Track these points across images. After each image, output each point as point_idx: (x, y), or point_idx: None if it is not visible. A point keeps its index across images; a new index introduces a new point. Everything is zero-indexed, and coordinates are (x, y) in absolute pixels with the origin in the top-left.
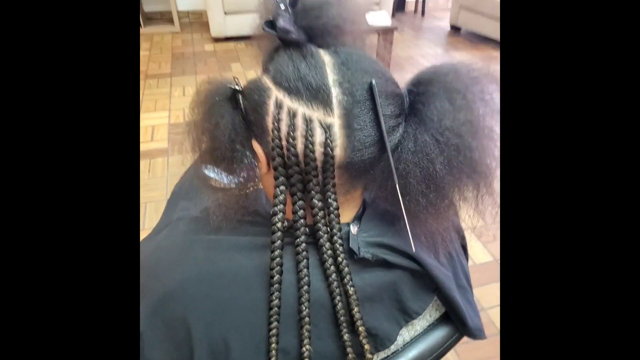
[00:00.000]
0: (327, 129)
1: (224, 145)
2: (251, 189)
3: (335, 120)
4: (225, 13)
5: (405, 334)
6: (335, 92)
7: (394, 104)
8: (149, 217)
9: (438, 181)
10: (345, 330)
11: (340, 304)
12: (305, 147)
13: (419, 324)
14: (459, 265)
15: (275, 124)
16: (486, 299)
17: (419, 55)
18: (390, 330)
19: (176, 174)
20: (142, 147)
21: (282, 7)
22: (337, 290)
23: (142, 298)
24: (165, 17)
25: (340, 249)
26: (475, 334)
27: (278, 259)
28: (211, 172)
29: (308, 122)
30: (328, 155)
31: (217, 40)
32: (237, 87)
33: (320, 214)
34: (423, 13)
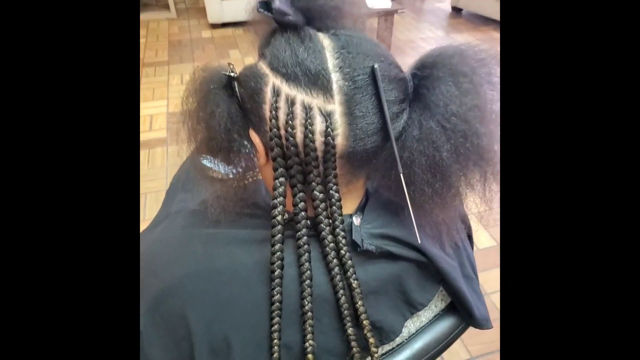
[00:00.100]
0: (327, 116)
1: (220, 136)
2: (250, 179)
3: (336, 108)
4: None
5: (410, 326)
6: (335, 78)
7: (397, 88)
8: (149, 208)
9: (444, 170)
10: (349, 324)
11: (343, 297)
12: (305, 136)
13: (425, 315)
14: (464, 254)
15: (273, 112)
16: (489, 284)
17: (419, 38)
18: (395, 322)
19: (175, 164)
20: (141, 137)
21: None
22: (340, 284)
23: (140, 294)
24: (160, 3)
25: (343, 241)
26: (482, 324)
27: (279, 254)
28: (209, 162)
29: (307, 109)
30: (329, 145)
31: (214, 26)
32: (232, 74)
33: (322, 205)
34: None
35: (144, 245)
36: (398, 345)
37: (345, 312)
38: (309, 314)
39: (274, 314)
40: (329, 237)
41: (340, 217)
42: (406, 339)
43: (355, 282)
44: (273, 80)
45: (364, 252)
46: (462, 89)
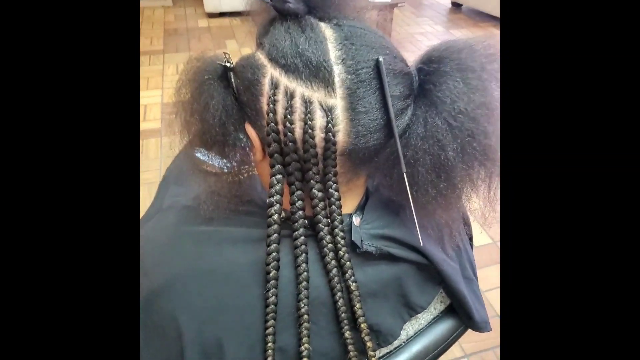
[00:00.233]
0: (328, 111)
1: (214, 129)
2: (246, 174)
3: (338, 102)
4: None
5: (409, 328)
6: (337, 71)
7: (402, 83)
8: (142, 200)
9: (449, 169)
10: (346, 327)
11: (341, 300)
12: (304, 132)
13: (424, 317)
14: (465, 256)
15: (271, 105)
16: (484, 282)
17: (418, 32)
18: (393, 325)
19: (170, 156)
20: None
21: None
22: (338, 287)
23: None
24: None
25: (342, 242)
26: (481, 326)
27: (274, 254)
28: (203, 156)
29: (307, 103)
30: (329, 141)
31: (211, 15)
32: (228, 64)
33: (321, 204)
34: None
35: None
36: (396, 348)
37: (343, 315)
38: (305, 316)
39: (268, 317)
40: (327, 238)
41: (339, 217)
42: (404, 342)
43: (354, 284)
44: (271, 72)
45: (363, 254)
46: (470, 86)
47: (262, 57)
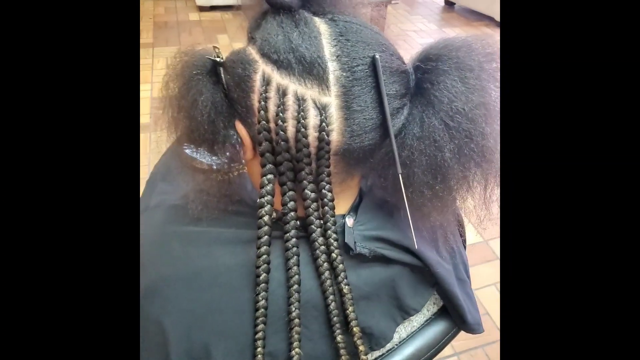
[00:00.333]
0: (322, 110)
1: (202, 127)
2: (236, 172)
3: (332, 100)
4: None
5: (401, 331)
6: (332, 67)
7: (398, 82)
8: None
9: (445, 171)
10: (338, 331)
11: (333, 303)
12: (297, 130)
13: (416, 320)
14: (458, 257)
15: (262, 102)
16: (475, 280)
17: (411, 30)
18: (386, 328)
19: (159, 151)
20: None
21: None
22: (330, 289)
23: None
24: None
25: (335, 244)
26: (474, 328)
27: (265, 256)
28: (192, 152)
29: (300, 101)
30: (323, 141)
31: (202, 9)
32: (217, 59)
33: (313, 205)
34: None
35: None
36: (388, 351)
37: (335, 318)
38: (296, 320)
39: (258, 321)
40: (320, 239)
41: (332, 218)
42: (397, 345)
43: (347, 287)
44: (263, 68)
45: (356, 256)
46: (468, 85)
47: (253, 52)
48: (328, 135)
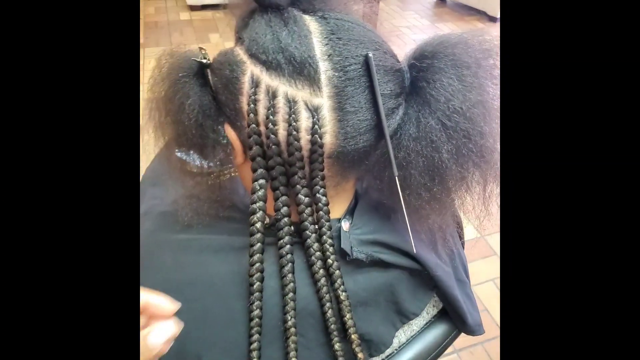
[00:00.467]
0: (314, 111)
1: (190, 131)
2: (227, 176)
3: (324, 102)
4: None
5: (401, 335)
6: (324, 67)
7: (393, 81)
8: None
9: (443, 172)
10: (336, 339)
11: (330, 311)
12: (289, 134)
13: (416, 323)
14: (458, 258)
15: (252, 105)
16: (472, 276)
17: (404, 26)
18: (385, 334)
19: (151, 153)
20: None
21: None
22: (327, 297)
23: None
24: None
25: (331, 249)
26: (475, 330)
27: (258, 264)
28: (182, 154)
29: (291, 103)
30: (316, 144)
31: (193, 8)
32: (204, 61)
33: (307, 210)
34: None
35: None
36: (388, 356)
37: (332, 326)
38: (292, 329)
39: (252, 331)
40: (315, 245)
41: (327, 223)
42: (396, 349)
43: (344, 294)
44: (251, 69)
45: (353, 261)
46: (465, 83)
47: (241, 53)
48: (321, 138)
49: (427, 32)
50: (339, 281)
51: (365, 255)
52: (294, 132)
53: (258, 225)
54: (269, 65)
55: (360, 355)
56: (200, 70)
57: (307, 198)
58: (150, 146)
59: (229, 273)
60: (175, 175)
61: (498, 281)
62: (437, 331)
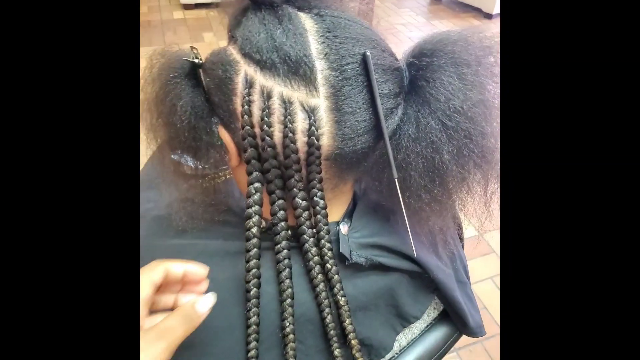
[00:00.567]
0: (310, 112)
1: (182, 134)
2: (223, 178)
3: (321, 102)
4: None
5: (401, 339)
6: (320, 67)
7: (391, 80)
8: None
9: (443, 173)
10: (335, 345)
11: (329, 316)
12: (284, 135)
13: (417, 326)
14: (458, 259)
15: (246, 107)
16: (471, 275)
17: (400, 24)
18: (386, 338)
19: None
20: None
21: None
22: (326, 302)
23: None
24: None
25: (329, 253)
26: (476, 331)
27: (254, 270)
28: (176, 156)
29: (287, 104)
30: (313, 146)
31: (187, 7)
32: (196, 61)
33: (305, 214)
34: None
35: None
36: None
37: (332, 331)
38: (291, 336)
39: (250, 338)
40: (313, 250)
41: (325, 227)
42: (397, 353)
43: (343, 299)
44: (245, 69)
45: (352, 265)
46: (466, 82)
47: (234, 52)
48: (318, 140)
49: (423, 30)
50: (338, 286)
51: (364, 259)
52: (290, 134)
53: (254, 230)
54: (263, 65)
55: None
56: (193, 71)
57: (304, 201)
58: (143, 148)
59: (224, 279)
60: (169, 178)
61: (497, 279)
62: (438, 334)
